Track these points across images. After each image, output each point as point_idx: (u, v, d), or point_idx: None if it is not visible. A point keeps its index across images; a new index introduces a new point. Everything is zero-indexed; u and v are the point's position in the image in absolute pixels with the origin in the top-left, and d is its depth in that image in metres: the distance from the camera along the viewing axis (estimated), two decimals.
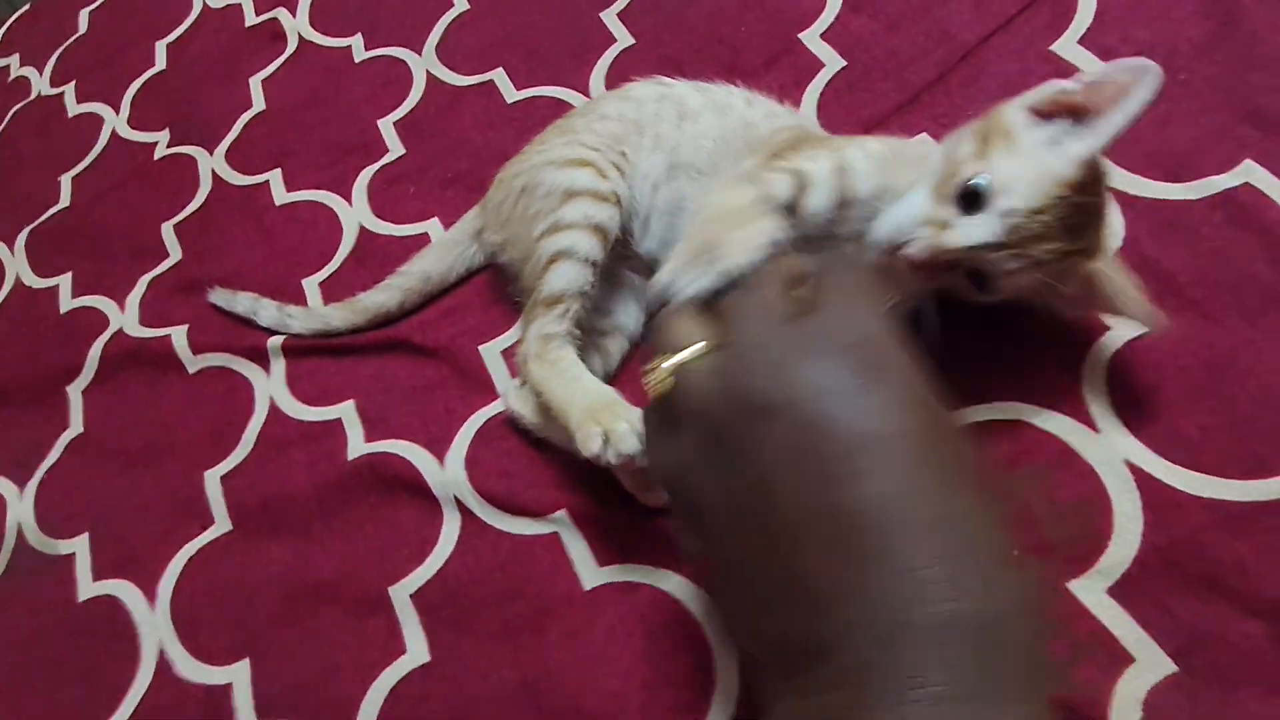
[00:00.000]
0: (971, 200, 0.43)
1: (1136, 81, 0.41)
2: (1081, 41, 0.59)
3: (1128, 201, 0.52)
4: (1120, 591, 0.42)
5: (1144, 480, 0.44)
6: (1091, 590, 0.42)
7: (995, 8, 0.63)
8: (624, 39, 0.75)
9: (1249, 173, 0.50)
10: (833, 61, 0.67)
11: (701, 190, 0.56)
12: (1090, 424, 0.46)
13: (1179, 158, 0.52)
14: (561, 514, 0.52)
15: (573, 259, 0.53)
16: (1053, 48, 0.60)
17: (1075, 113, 0.43)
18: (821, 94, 0.66)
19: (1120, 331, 0.48)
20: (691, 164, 0.56)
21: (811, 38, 0.69)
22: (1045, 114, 0.44)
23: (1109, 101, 0.41)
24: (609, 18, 0.77)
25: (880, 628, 0.24)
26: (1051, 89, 0.44)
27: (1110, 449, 0.45)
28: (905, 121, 0.62)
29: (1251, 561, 0.41)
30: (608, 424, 0.46)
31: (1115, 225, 0.51)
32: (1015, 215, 0.41)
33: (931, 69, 0.63)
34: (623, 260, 0.57)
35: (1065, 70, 0.58)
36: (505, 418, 0.57)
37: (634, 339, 0.58)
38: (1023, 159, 0.43)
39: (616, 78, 0.73)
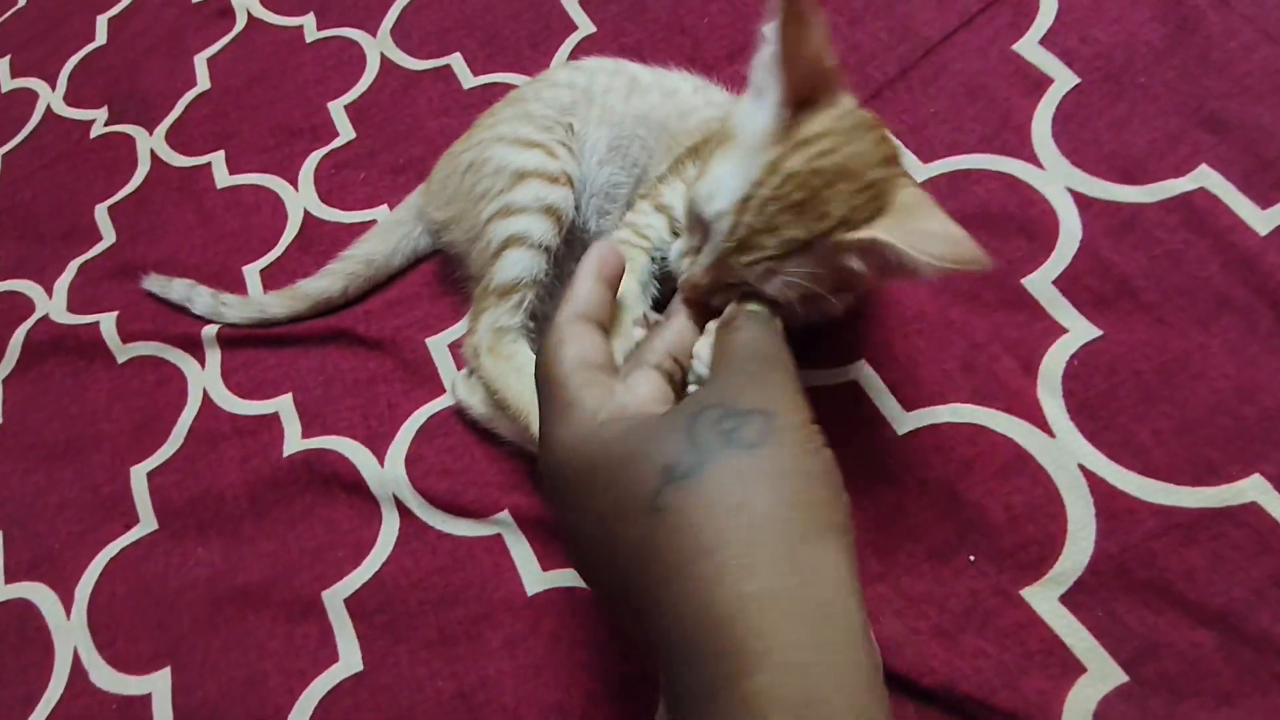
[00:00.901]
0: (701, 220, 0.38)
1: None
2: (1042, 42, 0.58)
3: (1084, 202, 0.52)
4: (1072, 599, 0.41)
5: (1097, 486, 0.43)
6: (1044, 598, 0.42)
7: (958, 5, 0.62)
8: (585, 26, 0.73)
9: (1204, 177, 0.50)
10: None
11: (631, 180, 0.54)
12: (1046, 428, 0.45)
13: (1135, 160, 0.52)
14: (505, 515, 0.50)
15: (526, 245, 0.51)
16: (1014, 47, 0.59)
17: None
18: None
19: (1076, 335, 0.48)
20: (628, 149, 0.54)
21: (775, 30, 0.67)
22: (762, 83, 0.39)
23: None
24: (570, 4, 0.75)
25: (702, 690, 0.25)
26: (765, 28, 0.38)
27: (1064, 453, 0.44)
28: None
29: (1201, 570, 0.40)
30: None
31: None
32: (724, 217, 0.36)
33: (893, 65, 0.62)
34: (569, 244, 0.55)
35: (1026, 70, 0.58)
36: (450, 413, 0.55)
37: None
38: (735, 153, 0.38)
39: None
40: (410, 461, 0.53)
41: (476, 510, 0.51)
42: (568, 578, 0.48)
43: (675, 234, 0.47)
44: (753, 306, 0.36)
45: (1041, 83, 0.57)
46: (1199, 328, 0.46)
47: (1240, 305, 0.46)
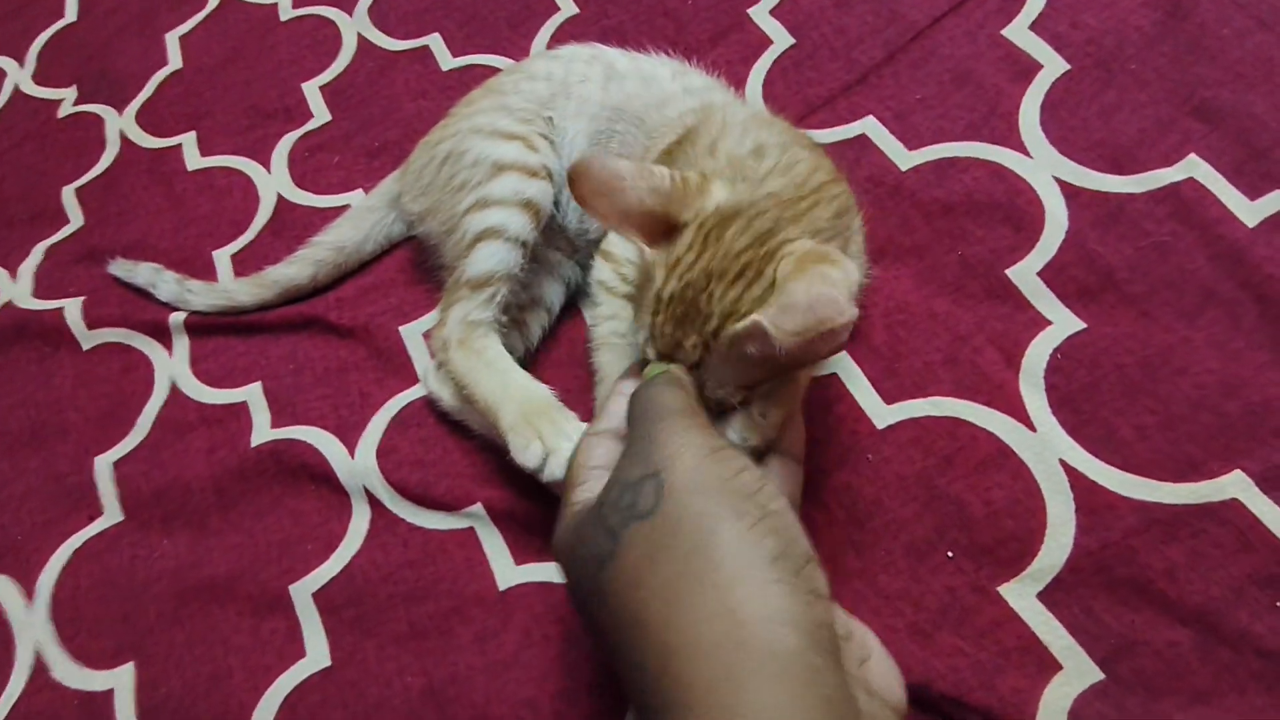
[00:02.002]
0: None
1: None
2: (1033, 27, 0.57)
3: (1071, 192, 0.51)
4: (1050, 596, 0.41)
5: (1077, 481, 0.42)
6: (1022, 595, 0.41)
7: None
8: (568, 7, 0.71)
9: (1193, 167, 0.49)
10: (781, 39, 0.64)
11: None
12: (1028, 422, 0.45)
13: (1124, 150, 0.51)
14: (478, 508, 0.49)
15: (502, 238, 0.50)
16: (1004, 32, 0.58)
17: None
18: (768, 72, 0.63)
19: (1060, 327, 0.47)
20: (609, 142, 0.53)
21: (760, 13, 0.66)
22: None
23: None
24: None
25: None
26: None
27: (1046, 448, 0.44)
28: (852, 103, 0.59)
29: (1181, 567, 0.39)
30: (548, 438, 0.44)
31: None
32: (648, 348, 0.39)
33: (880, 49, 0.61)
34: (547, 236, 0.54)
35: (1016, 55, 0.57)
36: (423, 403, 0.54)
37: (553, 315, 0.55)
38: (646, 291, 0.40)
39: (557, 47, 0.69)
40: (382, 453, 0.52)
41: (449, 503, 0.49)
42: (541, 572, 0.47)
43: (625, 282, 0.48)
44: (659, 368, 0.38)
45: (1030, 69, 0.56)
46: (1184, 321, 0.45)
47: (1226, 299, 0.45)
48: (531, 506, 0.48)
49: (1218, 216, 0.47)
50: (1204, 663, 0.38)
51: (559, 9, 0.72)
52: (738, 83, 0.63)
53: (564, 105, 0.54)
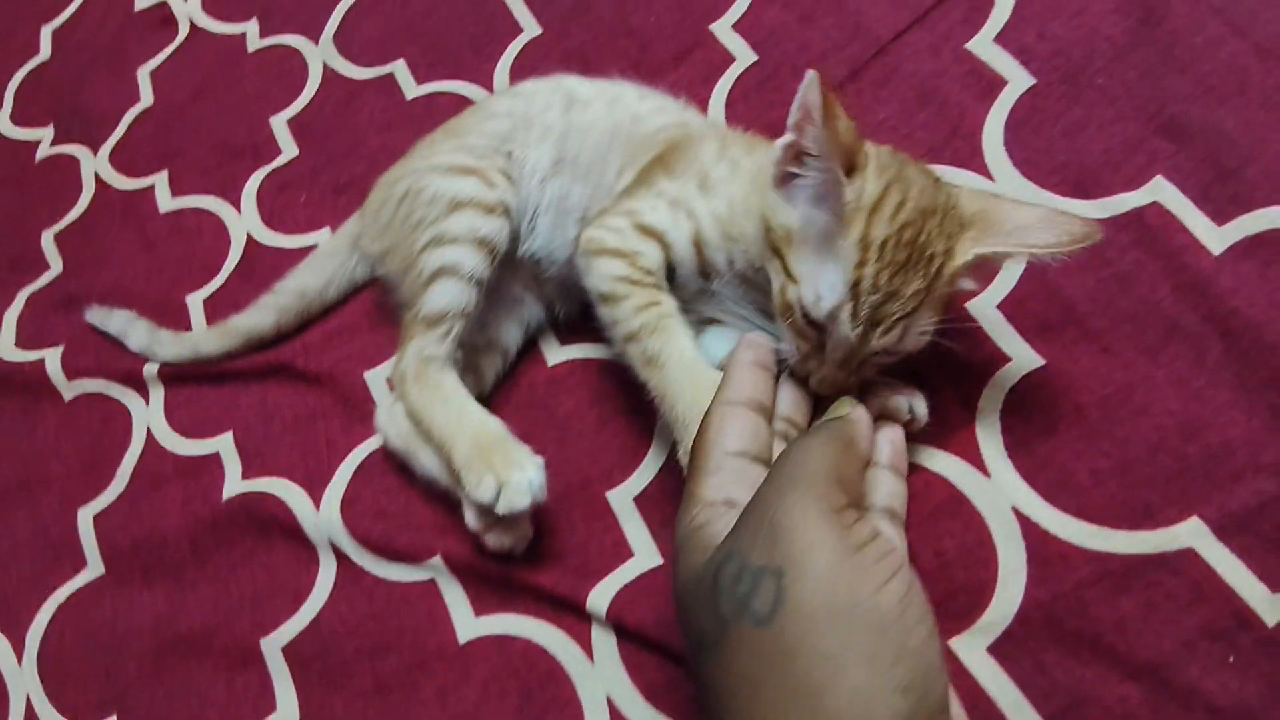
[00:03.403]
0: (815, 323, 0.39)
1: (806, 87, 0.37)
2: (998, 39, 0.55)
3: None
4: (1000, 650, 0.40)
5: (1030, 530, 0.42)
6: (973, 648, 0.40)
7: (912, 0, 0.59)
8: (530, 28, 0.70)
9: (1158, 191, 0.47)
10: (744, 55, 0.62)
11: (585, 190, 0.52)
12: (981, 467, 0.44)
13: (1089, 171, 0.49)
14: (437, 560, 0.49)
15: (457, 276, 0.50)
16: (968, 45, 0.56)
17: (802, 156, 0.39)
18: (730, 92, 0.62)
19: (1019, 364, 0.46)
20: (577, 158, 0.52)
21: (723, 29, 0.64)
22: (788, 177, 0.40)
23: (809, 123, 0.37)
24: (515, 4, 0.72)
25: None
26: (773, 152, 0.40)
27: (999, 494, 0.43)
28: None
29: (1133, 620, 0.39)
30: (501, 471, 0.44)
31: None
32: (841, 308, 0.37)
33: (843, 66, 0.59)
34: (506, 271, 0.54)
35: (980, 70, 0.55)
36: (387, 450, 0.54)
37: (509, 359, 0.55)
38: (810, 248, 0.39)
39: (521, 71, 0.68)
40: (346, 504, 0.53)
41: (410, 555, 0.50)
42: (499, 624, 0.47)
43: (669, 262, 0.46)
44: (845, 407, 0.37)
45: (995, 84, 0.54)
46: (1145, 357, 0.44)
47: (1190, 333, 0.43)
48: (489, 558, 0.48)
49: (1182, 244, 0.45)
50: (1154, 718, 0.37)
51: (522, 29, 0.70)
52: (700, 102, 0.61)
53: (524, 136, 0.54)
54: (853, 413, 0.37)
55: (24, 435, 0.64)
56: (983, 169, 0.52)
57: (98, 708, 0.51)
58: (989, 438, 0.44)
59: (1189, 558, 0.39)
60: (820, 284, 0.38)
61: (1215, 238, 0.45)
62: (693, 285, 0.47)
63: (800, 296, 0.39)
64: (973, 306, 0.48)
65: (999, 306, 0.47)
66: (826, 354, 0.39)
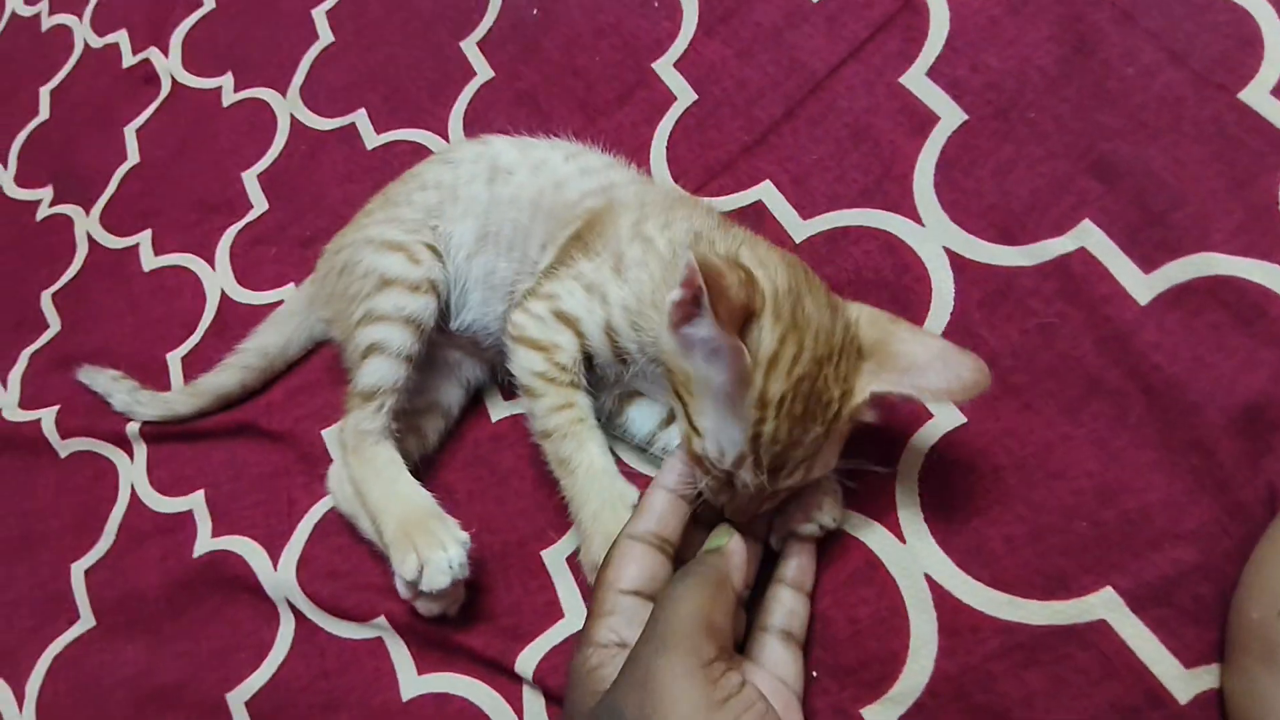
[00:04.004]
0: (720, 470, 0.39)
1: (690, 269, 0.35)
2: (930, 73, 0.53)
3: (959, 265, 0.48)
4: None
5: (942, 599, 0.41)
6: (884, 718, 0.40)
7: (846, 31, 0.57)
8: (484, 72, 0.71)
9: (1085, 235, 0.45)
10: (684, 94, 0.62)
11: (510, 265, 0.53)
12: (898, 533, 0.43)
13: (1016, 215, 0.47)
14: (382, 620, 0.51)
15: (385, 354, 0.51)
16: (901, 79, 0.54)
17: (693, 314, 0.38)
18: (671, 133, 0.61)
19: (941, 421, 0.45)
20: (499, 234, 0.53)
21: (664, 67, 0.64)
22: (687, 315, 0.38)
23: (698, 293, 0.36)
24: (469, 47, 0.72)
25: None
26: (670, 298, 0.38)
27: (913, 561, 0.42)
28: (751, 166, 0.57)
29: (1040, 695, 0.38)
30: (424, 549, 0.46)
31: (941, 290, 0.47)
32: (744, 460, 0.37)
33: (780, 104, 0.58)
34: (442, 336, 0.55)
35: (913, 106, 0.53)
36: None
37: (452, 419, 0.56)
38: (710, 401, 0.38)
39: (474, 116, 0.69)
40: (302, 563, 0.55)
41: (358, 614, 0.52)
42: (440, 683, 0.49)
43: (584, 349, 0.47)
44: (722, 538, 0.39)
45: (927, 121, 0.52)
46: (1066, 416, 0.42)
47: (1111, 389, 0.42)
48: (429, 619, 0.50)
49: (1107, 294, 0.43)
50: None
51: (475, 73, 0.71)
52: (642, 144, 0.62)
53: (450, 210, 0.55)
54: (729, 544, 0.38)
55: (25, 492, 0.68)
56: (913, 212, 0.50)
57: None
58: (907, 501, 0.44)
59: (1101, 630, 0.38)
60: (722, 439, 0.38)
61: (1142, 286, 0.43)
62: (610, 371, 0.47)
63: (705, 449, 0.39)
64: None
65: None
66: (737, 492, 0.39)
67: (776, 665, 0.39)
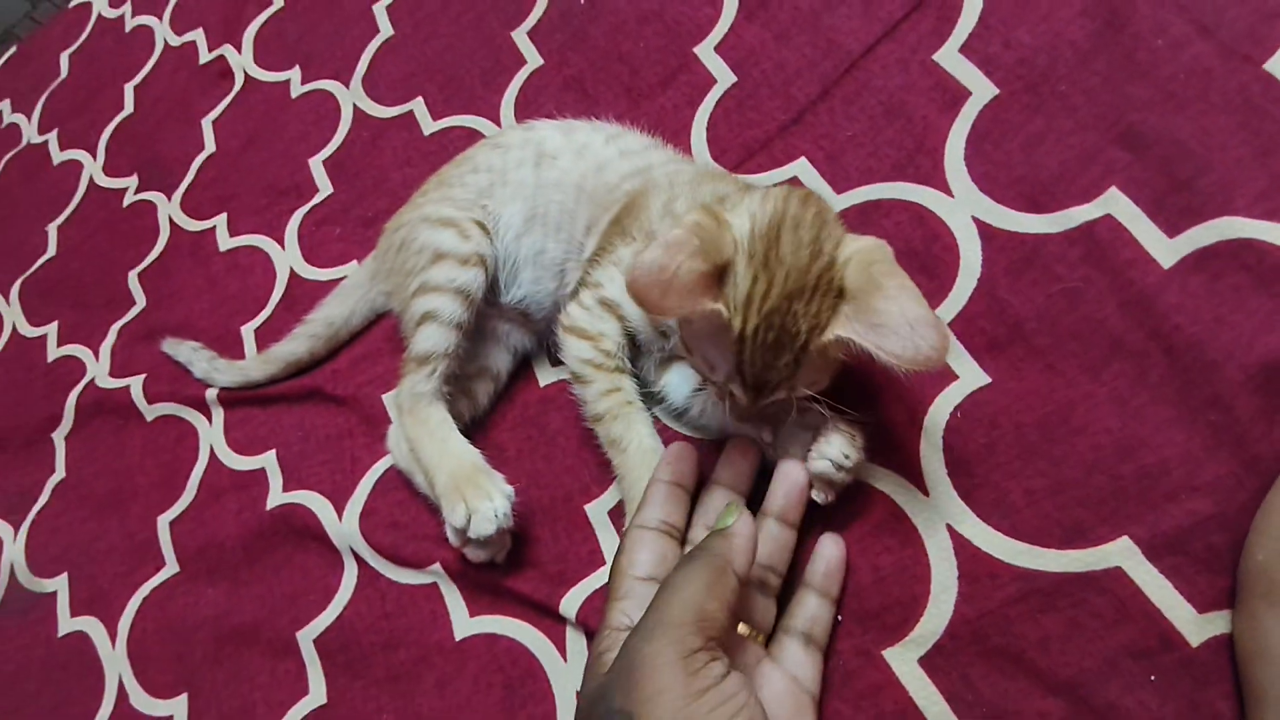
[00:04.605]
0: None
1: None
2: (963, 49, 0.55)
3: (988, 233, 0.50)
4: (930, 663, 0.42)
5: (962, 547, 0.43)
6: (904, 660, 0.43)
7: (882, 12, 0.59)
8: (533, 59, 0.74)
9: (1112, 202, 0.46)
10: (724, 77, 0.64)
11: (559, 246, 0.56)
12: (921, 486, 0.45)
13: (1044, 185, 0.49)
14: (437, 566, 0.55)
15: (438, 322, 0.55)
16: (935, 57, 0.56)
17: None
18: (711, 114, 0.64)
19: (966, 382, 0.47)
20: (546, 216, 0.57)
21: (705, 51, 0.66)
22: None
23: None
24: (519, 37, 0.76)
25: None
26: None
27: (936, 513, 0.44)
28: (788, 144, 0.60)
29: (1056, 638, 0.40)
30: (471, 500, 0.50)
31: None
32: (732, 379, 0.42)
33: (816, 84, 0.60)
34: (492, 309, 0.59)
35: (946, 82, 0.55)
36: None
37: (501, 383, 0.60)
38: (704, 336, 0.43)
39: (525, 102, 0.73)
40: (365, 515, 0.60)
41: (415, 561, 0.56)
42: (489, 624, 0.53)
43: (628, 331, 0.51)
44: (731, 516, 0.40)
45: (959, 96, 0.54)
46: (1088, 375, 0.44)
47: (1133, 350, 0.43)
48: (481, 566, 0.54)
49: (1131, 259, 0.45)
50: None
51: (525, 61, 0.75)
52: (684, 126, 0.64)
53: (500, 192, 0.59)
54: (735, 525, 0.39)
55: (116, 453, 0.74)
56: (943, 184, 0.52)
57: (173, 686, 0.61)
58: (932, 455, 0.46)
59: (1116, 577, 0.40)
60: (715, 361, 0.43)
61: (1166, 250, 0.44)
62: (655, 347, 0.51)
63: (700, 366, 0.45)
64: None
65: (950, 325, 0.49)
66: (735, 398, 0.43)
67: (794, 666, 0.41)
